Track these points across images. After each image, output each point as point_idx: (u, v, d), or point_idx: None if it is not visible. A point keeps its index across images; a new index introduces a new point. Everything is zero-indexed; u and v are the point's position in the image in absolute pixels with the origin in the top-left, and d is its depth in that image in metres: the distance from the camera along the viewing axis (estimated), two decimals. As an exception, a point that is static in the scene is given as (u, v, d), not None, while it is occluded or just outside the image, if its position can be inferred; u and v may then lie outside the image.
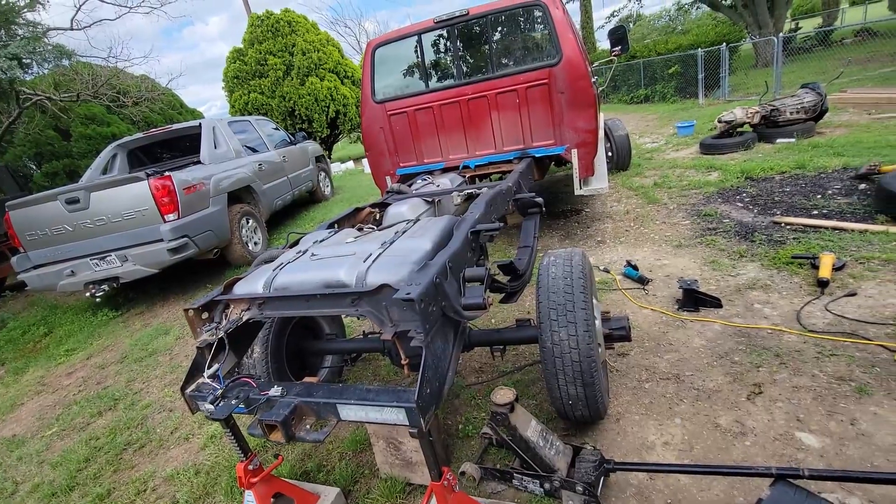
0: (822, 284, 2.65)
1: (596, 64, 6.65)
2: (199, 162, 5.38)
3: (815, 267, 2.80)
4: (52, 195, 4.53)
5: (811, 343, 2.27)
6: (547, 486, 1.67)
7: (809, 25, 19.27)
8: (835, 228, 3.30)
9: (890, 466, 1.60)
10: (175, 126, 6.43)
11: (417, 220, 2.10)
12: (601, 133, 4.16)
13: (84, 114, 10.73)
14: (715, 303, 2.70)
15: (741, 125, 6.20)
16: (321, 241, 1.98)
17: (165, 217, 4.49)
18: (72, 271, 4.67)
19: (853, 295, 2.56)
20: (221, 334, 1.61)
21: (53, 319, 5.37)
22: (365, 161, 12.66)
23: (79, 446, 2.80)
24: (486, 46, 4.12)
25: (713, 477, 1.66)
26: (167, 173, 4.57)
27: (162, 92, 12.57)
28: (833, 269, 2.74)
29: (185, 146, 6.90)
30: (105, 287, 4.70)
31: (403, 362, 1.51)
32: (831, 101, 6.59)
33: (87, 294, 4.78)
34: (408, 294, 1.27)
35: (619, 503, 1.66)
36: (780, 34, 11.00)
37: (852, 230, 3.22)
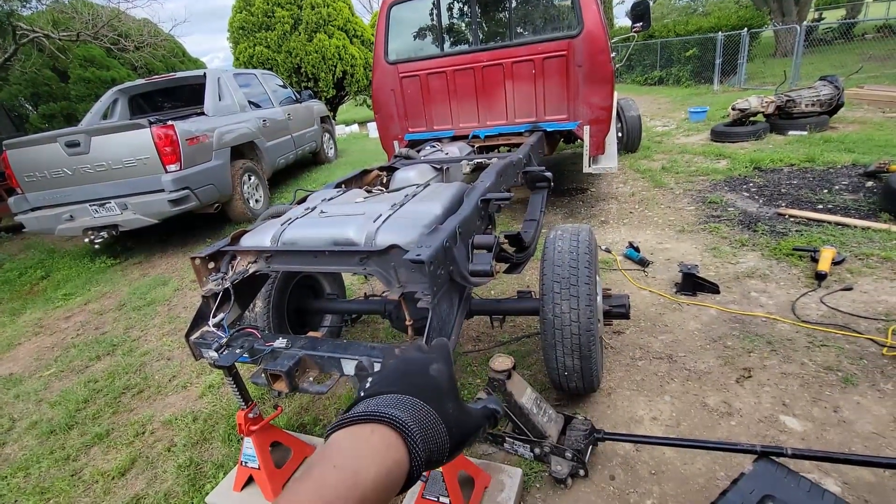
0: (820, 277, 2.68)
1: (614, 40, 6.48)
2: (202, 113, 5.27)
3: (815, 260, 2.83)
4: (51, 137, 4.45)
5: (803, 333, 2.32)
6: (537, 451, 1.73)
7: (833, 17, 18.76)
8: (838, 224, 3.31)
9: (867, 452, 1.66)
10: (179, 74, 6.27)
11: (427, 185, 2.09)
12: (614, 112, 4.10)
13: (83, 55, 10.39)
14: (713, 288, 2.73)
15: (755, 114, 6.11)
16: (330, 200, 1.97)
17: (167, 167, 4.43)
18: (71, 216, 4.64)
19: (849, 290, 2.59)
20: (227, 285, 1.62)
21: (51, 263, 5.37)
22: (370, 125, 12.44)
23: (77, 387, 2.85)
24: (505, 13, 3.99)
25: (697, 452, 1.73)
26: (170, 122, 4.49)
27: (164, 38, 12.17)
28: (832, 263, 2.76)
29: (187, 96, 6.74)
30: (104, 234, 4.68)
31: (408, 323, 1.53)
32: (847, 96, 6.48)
33: (86, 240, 4.76)
34: (418, 255, 1.27)
35: (606, 471, 1.72)
36: (804, 23, 10.71)
37: (855, 226, 3.23)
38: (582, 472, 1.68)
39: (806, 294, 2.61)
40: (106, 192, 4.55)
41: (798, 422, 1.83)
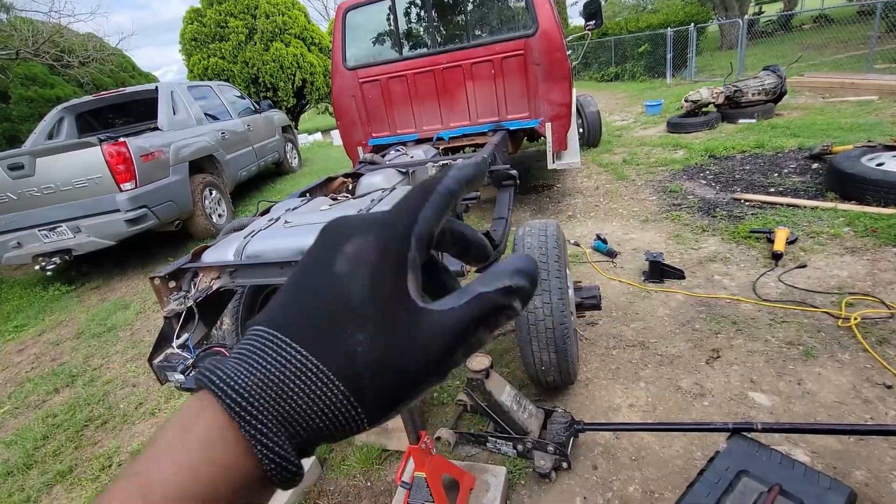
0: (777, 257, 2.81)
1: (569, 38, 6.62)
2: (156, 128, 5.08)
3: (771, 241, 2.96)
4: (-9, 161, 4.19)
5: (765, 311, 2.42)
6: (520, 447, 1.74)
7: (772, 10, 19.78)
8: (789, 205, 3.48)
9: (831, 421, 1.74)
10: (129, 89, 6.02)
11: (393, 189, 2.07)
12: (574, 108, 4.18)
13: (24, 74, 9.85)
14: (678, 274, 2.82)
15: (706, 105, 6.36)
16: (294, 209, 1.92)
17: (122, 186, 4.24)
18: (18, 243, 4.39)
19: (803, 267, 2.72)
20: (190, 303, 1.56)
21: (-1, 294, 5.05)
22: (334, 133, 12.29)
23: (35, 424, 2.69)
24: (462, 15, 4.01)
25: (674, 434, 1.77)
26: (122, 139, 4.30)
27: (111, 52, 11.68)
28: (786, 242, 2.90)
29: (139, 111, 6.48)
30: (56, 260, 4.44)
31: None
32: (790, 83, 6.83)
33: (37, 267, 4.51)
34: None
35: (588, 461, 1.74)
36: (745, 17, 11.24)
37: (805, 207, 3.40)
38: (565, 465, 1.70)
39: (765, 274, 2.72)
40: (56, 215, 4.32)
41: (766, 397, 1.90)
